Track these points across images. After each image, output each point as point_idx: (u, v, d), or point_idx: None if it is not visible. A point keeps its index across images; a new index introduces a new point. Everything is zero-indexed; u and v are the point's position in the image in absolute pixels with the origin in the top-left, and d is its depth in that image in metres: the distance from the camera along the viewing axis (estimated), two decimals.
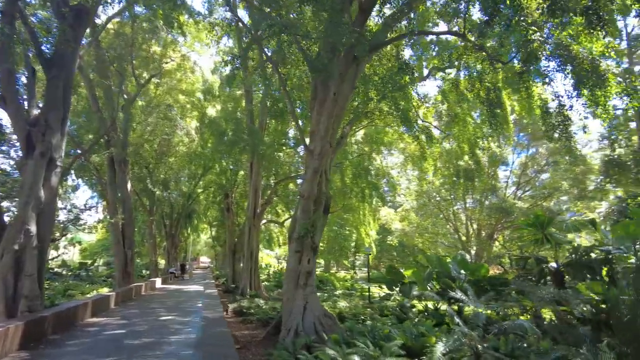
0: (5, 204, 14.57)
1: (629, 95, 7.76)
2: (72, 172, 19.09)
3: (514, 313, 10.61)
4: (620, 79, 8.18)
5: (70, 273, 30.44)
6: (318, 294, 10.73)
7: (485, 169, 25.97)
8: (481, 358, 6.25)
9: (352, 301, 15.94)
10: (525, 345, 6.91)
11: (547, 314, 10.65)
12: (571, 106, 8.44)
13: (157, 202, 28.52)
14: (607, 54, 8.10)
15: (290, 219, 21.44)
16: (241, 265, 23.66)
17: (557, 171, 28.57)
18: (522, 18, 7.84)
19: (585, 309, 8.45)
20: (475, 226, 31.51)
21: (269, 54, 11.23)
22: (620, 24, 18.96)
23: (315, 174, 9.25)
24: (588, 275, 10.31)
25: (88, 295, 16.44)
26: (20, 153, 11.04)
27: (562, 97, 8.74)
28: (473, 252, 29.78)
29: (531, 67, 8.74)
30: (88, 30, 13.94)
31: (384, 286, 19.93)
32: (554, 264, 11.28)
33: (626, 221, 10.60)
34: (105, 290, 19.44)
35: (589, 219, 13.66)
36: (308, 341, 7.86)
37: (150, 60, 20.09)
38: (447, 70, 13.39)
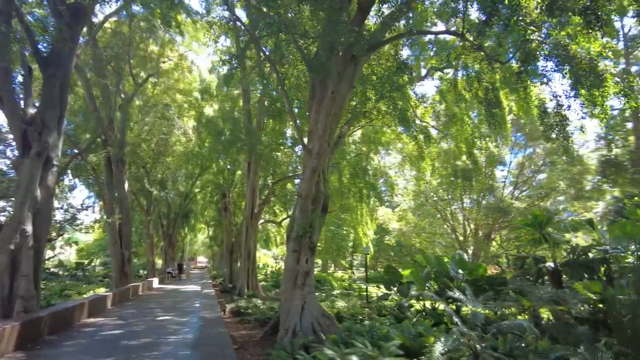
0: (1, 203, 14.52)
1: (626, 96, 7.80)
2: (69, 171, 18.99)
3: (512, 313, 10.62)
4: (618, 79, 8.20)
5: (66, 273, 30.41)
6: (316, 294, 10.71)
7: (482, 169, 26.01)
8: (480, 358, 6.24)
9: (350, 301, 15.96)
10: (523, 344, 6.91)
11: (545, 314, 10.69)
12: (569, 106, 8.49)
13: (155, 201, 28.42)
14: (604, 54, 8.12)
15: (287, 219, 21.41)
16: (239, 265, 23.61)
17: (554, 171, 28.62)
18: (520, 18, 7.84)
19: (583, 308, 8.49)
20: (472, 226, 31.53)
21: (267, 53, 11.21)
22: (617, 25, 19.02)
23: (313, 173, 9.24)
24: (585, 275, 10.33)
25: (85, 296, 16.36)
26: (16, 152, 10.98)
27: (559, 97, 8.81)
28: (470, 251, 29.83)
29: (529, 67, 8.76)
30: (85, 29, 13.85)
31: (381, 286, 19.90)
32: (551, 264, 11.29)
33: (623, 221, 10.66)
34: (102, 291, 19.37)
35: (586, 218, 13.68)
36: (306, 341, 7.84)
37: (147, 60, 20.04)
38: (445, 70, 13.39)
